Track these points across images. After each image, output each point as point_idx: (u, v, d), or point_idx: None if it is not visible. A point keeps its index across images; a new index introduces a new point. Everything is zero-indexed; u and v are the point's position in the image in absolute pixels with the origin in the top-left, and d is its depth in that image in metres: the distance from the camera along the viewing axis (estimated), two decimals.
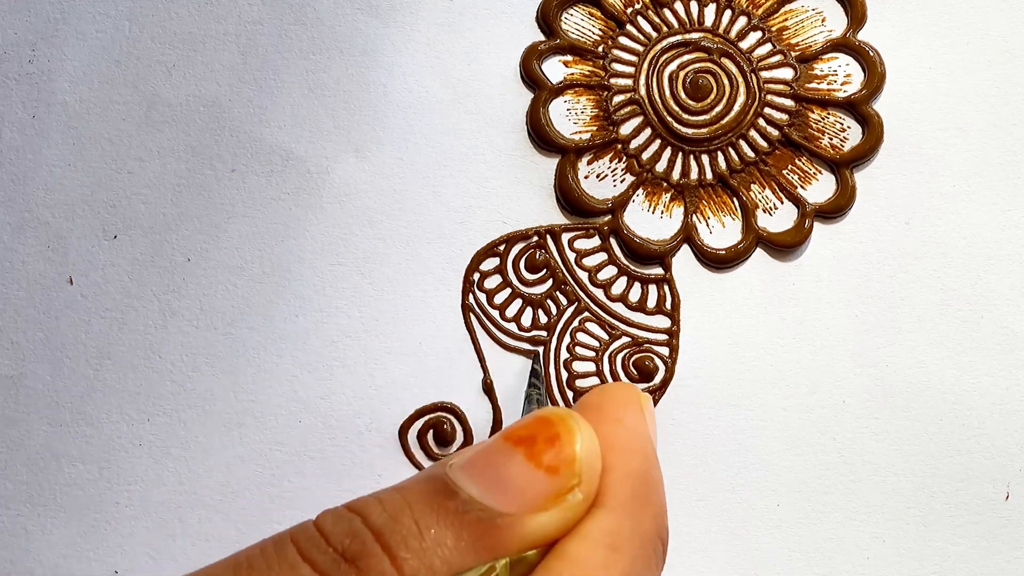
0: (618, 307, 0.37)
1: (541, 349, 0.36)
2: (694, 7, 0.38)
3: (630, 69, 0.38)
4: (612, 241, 0.38)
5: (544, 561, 0.22)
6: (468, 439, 0.36)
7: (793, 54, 0.38)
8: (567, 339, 0.37)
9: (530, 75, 0.38)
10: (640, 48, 0.38)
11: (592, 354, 0.37)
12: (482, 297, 0.37)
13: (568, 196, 0.37)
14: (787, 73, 0.38)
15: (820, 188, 0.38)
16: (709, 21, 0.38)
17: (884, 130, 0.37)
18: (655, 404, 0.37)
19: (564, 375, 0.37)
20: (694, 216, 0.37)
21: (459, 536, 0.22)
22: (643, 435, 0.25)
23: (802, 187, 0.38)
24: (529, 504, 0.22)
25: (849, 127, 0.38)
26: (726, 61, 0.38)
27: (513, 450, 0.23)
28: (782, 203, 0.38)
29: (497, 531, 0.22)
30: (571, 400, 0.37)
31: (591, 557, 0.22)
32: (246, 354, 0.37)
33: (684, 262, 0.37)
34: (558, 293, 0.37)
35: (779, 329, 0.37)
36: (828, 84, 0.38)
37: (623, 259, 0.38)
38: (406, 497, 0.23)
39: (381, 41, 0.38)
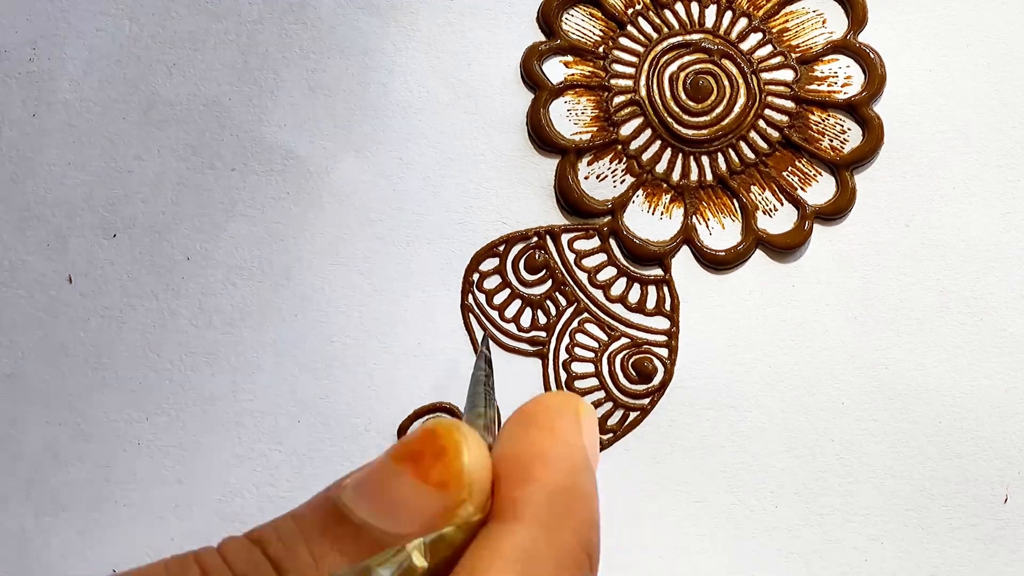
0: (617, 308, 0.37)
1: (484, 335, 0.36)
2: (695, 8, 0.38)
3: (631, 70, 0.38)
4: (612, 242, 0.38)
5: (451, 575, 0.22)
6: None
7: (794, 56, 0.38)
8: (566, 340, 0.37)
9: (530, 75, 0.38)
10: (641, 49, 0.38)
11: (591, 355, 0.37)
12: (481, 298, 0.37)
13: (568, 197, 0.37)
14: (787, 75, 0.38)
15: (820, 190, 0.38)
16: (710, 22, 0.38)
17: (884, 132, 0.37)
18: (654, 404, 0.37)
19: (563, 376, 0.37)
20: (694, 217, 0.37)
21: (354, 561, 0.22)
22: (572, 444, 0.24)
23: (802, 189, 0.38)
24: (422, 523, 0.22)
25: (849, 129, 0.38)
26: (727, 62, 0.38)
27: (401, 468, 0.22)
28: (782, 205, 0.38)
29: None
30: None
31: (500, 573, 0.21)
32: (245, 353, 0.37)
33: (684, 263, 0.37)
34: (557, 294, 0.37)
35: (778, 331, 0.37)
36: (828, 86, 0.38)
37: (623, 260, 0.38)
38: (300, 526, 0.23)
39: (381, 41, 0.38)
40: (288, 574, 0.22)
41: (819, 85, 0.38)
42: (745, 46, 0.38)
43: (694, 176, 0.38)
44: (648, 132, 0.38)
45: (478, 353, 0.34)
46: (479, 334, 0.37)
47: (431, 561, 0.22)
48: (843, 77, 0.38)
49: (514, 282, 0.37)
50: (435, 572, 0.22)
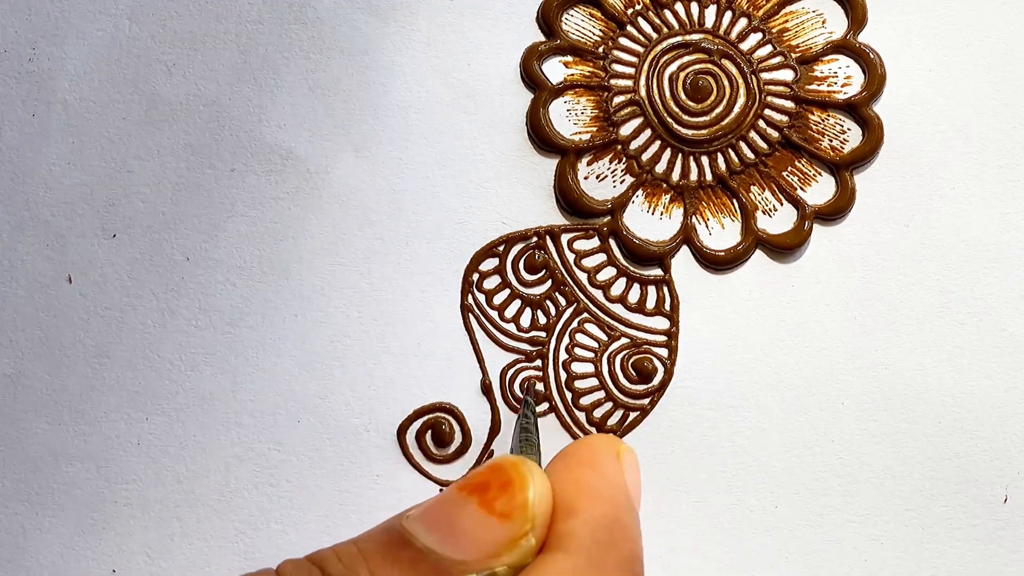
0: (617, 308, 0.37)
1: (534, 382, 0.36)
2: (695, 8, 0.38)
3: (630, 70, 0.38)
4: (611, 242, 0.38)
5: None
6: (466, 440, 0.36)
7: (793, 56, 0.38)
8: (566, 340, 0.37)
9: (530, 76, 0.38)
10: (640, 49, 0.38)
11: (591, 355, 0.37)
12: (481, 298, 0.37)
13: (568, 197, 0.37)
14: (787, 75, 0.38)
15: (820, 190, 0.38)
16: (710, 22, 0.38)
17: (884, 132, 0.37)
18: (654, 404, 0.37)
19: (563, 376, 0.37)
20: (693, 217, 0.37)
21: None
22: (614, 482, 0.25)
23: (802, 189, 0.38)
24: (483, 551, 0.23)
25: (849, 129, 0.38)
26: (726, 62, 0.38)
27: (467, 498, 0.23)
28: (782, 205, 0.38)
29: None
30: (570, 401, 0.37)
31: None
32: (245, 353, 0.37)
33: (683, 263, 0.37)
34: (557, 294, 0.37)
35: (778, 331, 0.37)
36: (828, 86, 0.38)
37: (622, 260, 0.38)
38: (361, 549, 0.23)
39: (381, 41, 0.38)
40: None
41: (819, 85, 0.38)
42: (745, 46, 0.38)
43: (694, 176, 0.38)
44: (648, 132, 0.38)
45: (523, 400, 0.35)
46: (480, 335, 0.37)
47: None
48: (843, 77, 0.38)
49: (514, 282, 0.37)
50: None
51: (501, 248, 0.37)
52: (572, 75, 0.38)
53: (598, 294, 0.37)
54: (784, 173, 0.38)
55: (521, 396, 0.36)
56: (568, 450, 0.26)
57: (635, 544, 0.24)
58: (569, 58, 0.38)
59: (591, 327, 0.37)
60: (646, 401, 0.37)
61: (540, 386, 0.36)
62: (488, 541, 0.23)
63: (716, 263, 0.37)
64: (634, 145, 0.38)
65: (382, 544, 0.23)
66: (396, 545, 0.23)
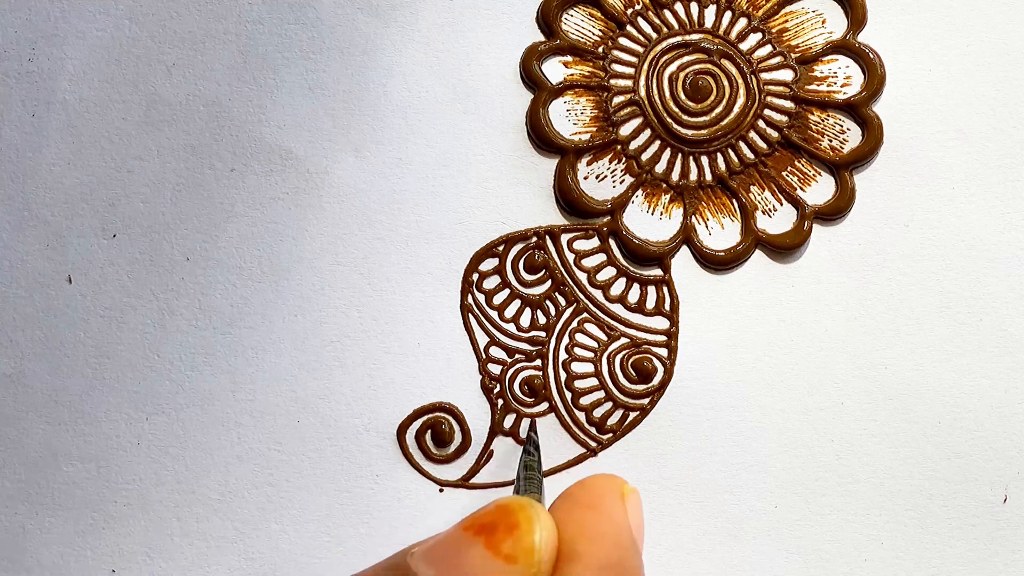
0: (617, 308, 0.37)
1: (536, 419, 0.36)
2: (694, 8, 0.38)
3: (630, 70, 0.38)
4: (611, 242, 0.38)
5: None
6: (466, 440, 0.36)
7: (793, 56, 0.38)
8: (566, 340, 0.37)
9: (530, 75, 0.38)
10: (640, 49, 0.38)
11: (591, 355, 0.37)
12: (481, 298, 0.37)
13: (567, 197, 0.37)
14: (787, 75, 0.38)
15: (819, 190, 0.38)
16: (709, 22, 0.38)
17: (884, 132, 0.37)
18: (653, 404, 0.37)
19: (563, 376, 0.37)
20: (693, 217, 0.37)
21: None
22: (618, 523, 0.25)
23: (801, 189, 0.38)
24: None
25: (849, 129, 0.38)
26: (726, 62, 0.38)
27: (473, 539, 0.23)
28: (781, 205, 0.38)
29: None
30: (569, 401, 0.37)
31: None
32: (245, 354, 0.37)
33: (683, 263, 0.37)
34: (557, 294, 0.37)
35: (778, 331, 0.37)
36: (828, 86, 0.38)
37: (622, 260, 0.38)
38: None
39: (381, 41, 0.38)
40: None
41: (818, 85, 0.38)
42: (744, 46, 0.38)
43: (693, 176, 0.38)
44: (647, 132, 0.38)
45: (527, 438, 0.35)
46: (479, 334, 0.37)
47: None
48: (843, 77, 0.38)
49: (513, 282, 0.37)
50: None
51: (501, 248, 0.37)
52: (572, 75, 0.38)
53: (598, 294, 0.37)
54: (784, 173, 0.38)
55: (525, 436, 0.36)
56: (571, 491, 0.26)
57: None
58: (569, 58, 0.38)
59: (591, 327, 0.37)
60: (646, 401, 0.37)
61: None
62: None
63: (716, 263, 0.37)
64: (634, 145, 0.38)
65: None
66: None
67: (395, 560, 0.24)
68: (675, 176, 0.38)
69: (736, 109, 0.38)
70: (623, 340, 0.37)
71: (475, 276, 0.37)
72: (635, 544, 0.25)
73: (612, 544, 0.24)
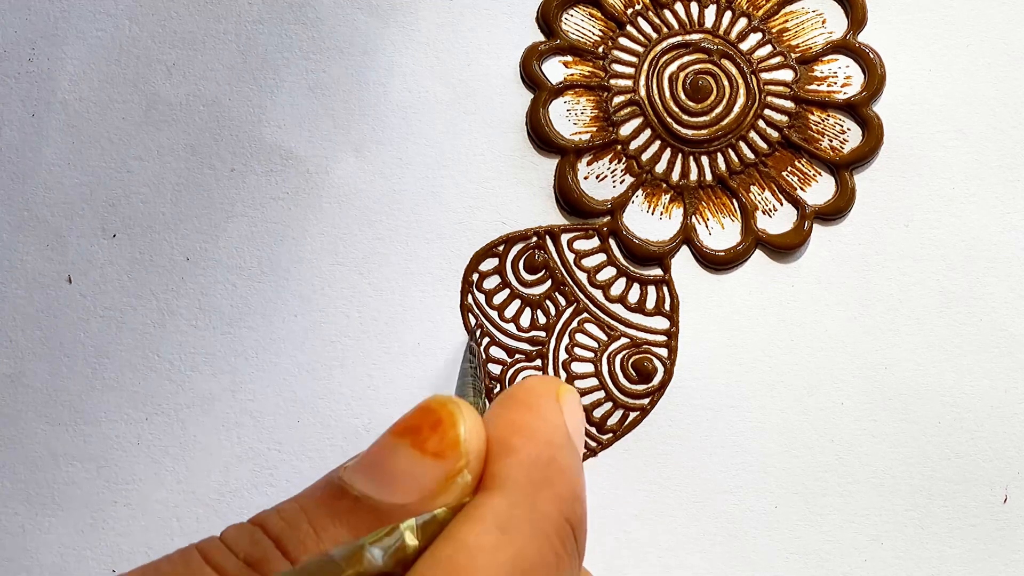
0: (617, 308, 0.37)
1: (474, 325, 0.36)
2: (694, 8, 0.38)
3: (630, 70, 0.38)
4: (611, 242, 0.38)
5: (433, 543, 0.22)
6: None
7: (793, 56, 0.38)
8: (566, 340, 0.37)
9: (530, 75, 0.38)
10: (640, 49, 0.38)
11: (591, 355, 0.37)
12: (481, 298, 0.37)
13: (568, 197, 0.37)
14: (787, 75, 0.38)
15: (819, 190, 0.38)
16: (709, 22, 0.38)
17: (884, 132, 0.37)
18: (653, 404, 0.37)
19: (563, 376, 0.37)
20: (693, 217, 0.37)
21: (355, 531, 0.23)
22: (551, 421, 0.25)
23: (801, 189, 0.38)
24: (420, 491, 0.23)
25: (849, 129, 0.38)
26: (726, 62, 0.38)
27: (399, 442, 0.23)
28: (781, 205, 0.38)
29: (391, 520, 0.22)
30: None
31: (480, 539, 0.22)
32: (245, 354, 0.37)
33: (683, 263, 0.37)
34: (557, 294, 0.37)
35: (778, 331, 0.37)
36: (828, 86, 0.38)
37: (622, 260, 0.38)
38: (301, 504, 0.24)
39: (381, 41, 0.38)
40: (289, 546, 0.22)
41: (819, 85, 0.38)
42: (745, 46, 0.38)
43: (694, 176, 0.38)
44: (648, 132, 0.38)
45: (466, 345, 0.35)
46: (484, 342, 0.37)
47: (422, 541, 0.22)
48: (843, 77, 0.38)
49: (513, 282, 0.37)
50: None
51: (501, 248, 0.37)
52: (572, 75, 0.38)
53: (598, 294, 0.37)
54: (784, 173, 0.38)
55: (467, 344, 0.36)
56: (506, 392, 0.26)
57: (573, 483, 0.24)
58: (569, 58, 0.38)
59: (591, 327, 0.37)
60: (646, 401, 0.37)
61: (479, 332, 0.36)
62: (424, 482, 0.23)
63: (716, 263, 0.37)
64: (634, 145, 0.38)
65: (322, 498, 0.23)
66: (335, 497, 0.23)
67: (329, 477, 0.24)
68: (675, 176, 0.38)
69: (736, 109, 0.38)
70: (623, 340, 0.37)
71: (475, 276, 0.37)
72: (570, 441, 0.25)
73: (544, 442, 0.24)
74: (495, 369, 0.37)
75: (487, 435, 0.24)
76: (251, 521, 0.24)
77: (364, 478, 0.23)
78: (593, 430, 0.37)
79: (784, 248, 0.37)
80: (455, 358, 0.37)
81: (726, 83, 0.38)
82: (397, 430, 0.24)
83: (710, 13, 0.38)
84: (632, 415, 0.37)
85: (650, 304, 0.37)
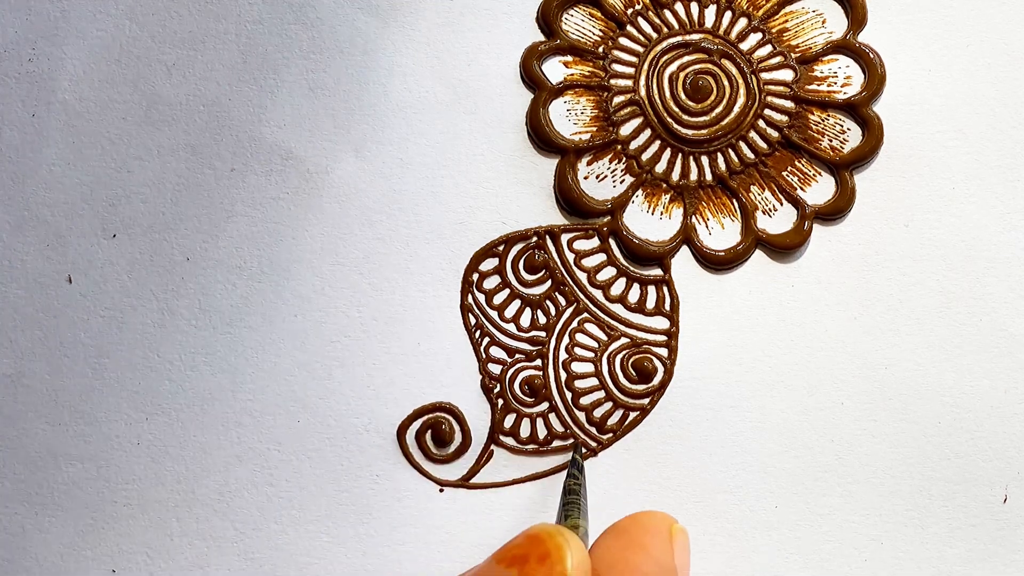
0: (617, 308, 0.37)
1: (575, 442, 0.36)
2: (694, 8, 0.38)
3: (630, 70, 0.38)
4: (611, 242, 0.38)
5: None
6: (466, 439, 0.36)
7: (793, 56, 0.38)
8: (566, 340, 0.37)
9: (530, 75, 0.38)
10: (640, 49, 0.38)
11: (591, 355, 0.37)
12: (481, 298, 0.37)
13: (567, 197, 0.37)
14: (787, 75, 0.38)
15: (819, 190, 0.38)
16: (709, 22, 0.38)
17: (884, 132, 0.37)
18: (654, 404, 0.37)
19: (563, 375, 0.37)
20: (693, 217, 0.37)
21: None
22: (662, 564, 0.25)
23: (801, 189, 0.38)
24: None
25: (849, 129, 0.38)
26: (726, 62, 0.38)
27: (506, 571, 0.23)
28: (781, 205, 0.38)
29: None
30: (570, 401, 0.37)
31: None
32: (245, 353, 0.37)
33: (683, 263, 0.37)
34: (557, 294, 0.37)
35: (778, 331, 0.37)
36: (828, 86, 0.38)
37: (622, 260, 0.38)
38: None
39: (381, 41, 0.38)
40: None
41: (819, 85, 0.38)
42: (745, 46, 0.38)
43: (694, 176, 0.38)
44: (648, 132, 0.38)
45: (571, 461, 0.34)
46: (484, 342, 0.37)
47: None
48: (843, 77, 0.38)
49: (514, 282, 0.37)
50: None
51: (501, 248, 0.37)
52: (572, 75, 0.38)
53: (598, 294, 0.37)
54: (784, 173, 0.38)
55: (570, 459, 0.35)
56: (618, 525, 0.26)
57: None
58: (569, 58, 0.38)
59: (591, 327, 0.37)
60: (646, 401, 0.37)
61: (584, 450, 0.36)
62: None
63: (716, 263, 0.37)
64: (634, 145, 0.38)
65: None
66: None
67: None
68: (675, 176, 0.38)
69: (736, 109, 0.38)
70: (623, 340, 0.37)
71: (475, 276, 0.37)
72: None
73: None
74: (495, 369, 0.37)
75: (601, 568, 0.24)
76: None
77: None
78: (593, 430, 0.37)
79: (784, 248, 0.37)
80: (455, 358, 0.37)
81: (726, 83, 0.38)
82: (505, 558, 0.24)
83: (710, 13, 0.38)
84: (632, 415, 0.37)
85: (650, 304, 0.37)
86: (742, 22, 0.38)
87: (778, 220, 0.37)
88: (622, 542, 0.25)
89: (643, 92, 0.38)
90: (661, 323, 0.37)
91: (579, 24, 0.38)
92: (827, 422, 0.36)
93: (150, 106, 0.38)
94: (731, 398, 0.36)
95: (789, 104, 0.38)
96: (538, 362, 0.37)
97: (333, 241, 0.37)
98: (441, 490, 0.36)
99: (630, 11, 0.38)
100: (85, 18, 0.39)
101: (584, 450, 0.36)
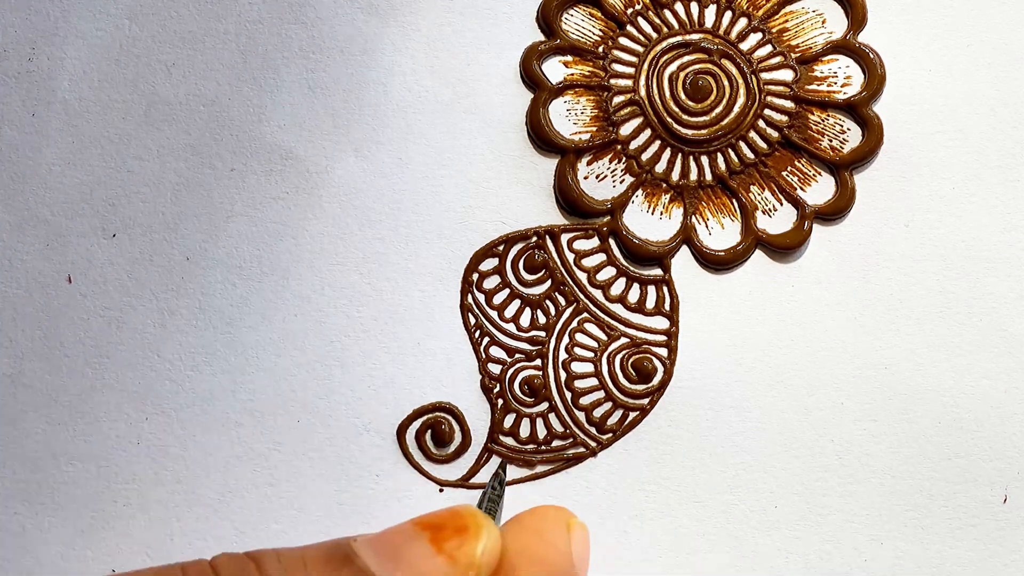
0: (617, 308, 0.37)
1: (502, 460, 0.36)
2: (694, 8, 0.38)
3: (630, 70, 0.38)
4: (611, 242, 0.38)
5: None
6: (466, 439, 0.36)
7: (793, 56, 0.38)
8: (566, 340, 0.37)
9: (530, 75, 0.38)
10: (640, 49, 0.38)
11: (591, 355, 0.37)
12: (481, 297, 0.37)
13: (567, 197, 0.37)
14: (787, 75, 0.38)
15: (819, 190, 0.38)
16: (709, 22, 0.38)
17: (884, 132, 0.37)
18: (653, 404, 0.37)
19: (563, 375, 0.37)
20: (693, 217, 0.37)
21: None
22: (557, 549, 0.26)
23: (801, 189, 0.38)
24: None
25: (849, 129, 0.38)
26: (726, 62, 0.38)
27: (420, 533, 0.24)
28: (781, 205, 0.38)
29: None
30: (569, 401, 0.37)
31: None
32: (245, 353, 0.37)
33: (683, 263, 0.37)
34: (557, 294, 0.37)
35: (778, 331, 0.37)
36: (828, 86, 0.38)
37: (622, 260, 0.38)
38: (305, 557, 0.24)
39: (381, 41, 0.38)
40: None
41: (819, 85, 0.38)
42: (745, 46, 0.38)
43: (693, 176, 0.38)
44: (648, 132, 0.38)
45: (494, 475, 0.35)
46: (484, 342, 0.37)
47: None
48: (843, 77, 0.38)
49: (513, 282, 0.37)
50: None
51: (501, 248, 0.37)
52: (572, 75, 0.38)
53: (598, 294, 0.37)
54: (784, 173, 0.38)
55: (494, 473, 0.36)
56: (520, 516, 0.27)
57: None
58: (569, 58, 0.38)
59: (591, 327, 0.37)
60: (646, 401, 0.37)
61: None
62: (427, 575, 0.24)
63: (716, 263, 0.37)
64: (634, 145, 0.38)
65: (327, 558, 0.24)
66: (339, 561, 0.24)
67: (339, 541, 0.25)
68: (675, 176, 0.38)
69: (736, 109, 0.38)
70: (623, 340, 0.37)
71: (475, 276, 0.37)
72: (573, 572, 0.26)
73: (550, 569, 0.25)
74: (495, 369, 0.37)
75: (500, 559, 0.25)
76: (248, 555, 0.25)
77: (374, 554, 0.24)
78: (593, 430, 0.37)
79: (784, 248, 0.37)
80: (455, 358, 0.37)
81: (726, 83, 0.38)
82: (421, 522, 0.24)
83: (710, 13, 0.38)
84: (632, 415, 0.37)
85: (650, 304, 0.37)
86: (742, 22, 0.38)
87: (778, 220, 0.37)
88: (522, 530, 0.26)
89: (643, 92, 0.38)
90: (661, 323, 0.37)
91: (579, 24, 0.38)
92: (827, 422, 0.36)
93: (150, 106, 0.38)
94: (731, 398, 0.36)
95: (789, 104, 0.38)
96: (538, 362, 0.37)
97: (333, 241, 0.37)
98: (441, 490, 0.36)
99: (630, 11, 0.38)
100: (85, 18, 0.39)
101: (508, 466, 0.36)
